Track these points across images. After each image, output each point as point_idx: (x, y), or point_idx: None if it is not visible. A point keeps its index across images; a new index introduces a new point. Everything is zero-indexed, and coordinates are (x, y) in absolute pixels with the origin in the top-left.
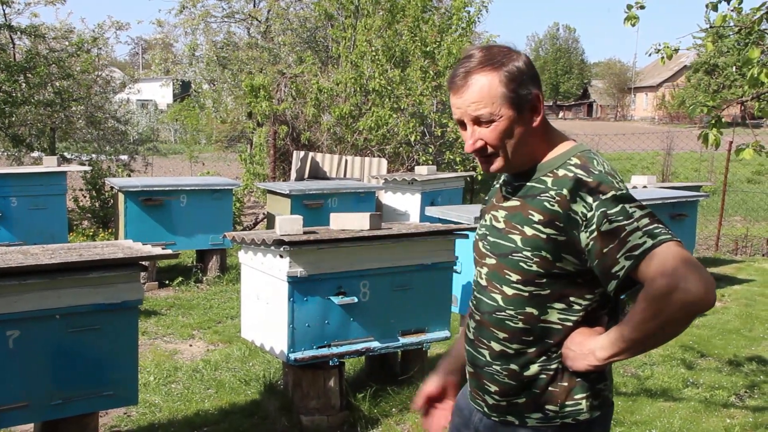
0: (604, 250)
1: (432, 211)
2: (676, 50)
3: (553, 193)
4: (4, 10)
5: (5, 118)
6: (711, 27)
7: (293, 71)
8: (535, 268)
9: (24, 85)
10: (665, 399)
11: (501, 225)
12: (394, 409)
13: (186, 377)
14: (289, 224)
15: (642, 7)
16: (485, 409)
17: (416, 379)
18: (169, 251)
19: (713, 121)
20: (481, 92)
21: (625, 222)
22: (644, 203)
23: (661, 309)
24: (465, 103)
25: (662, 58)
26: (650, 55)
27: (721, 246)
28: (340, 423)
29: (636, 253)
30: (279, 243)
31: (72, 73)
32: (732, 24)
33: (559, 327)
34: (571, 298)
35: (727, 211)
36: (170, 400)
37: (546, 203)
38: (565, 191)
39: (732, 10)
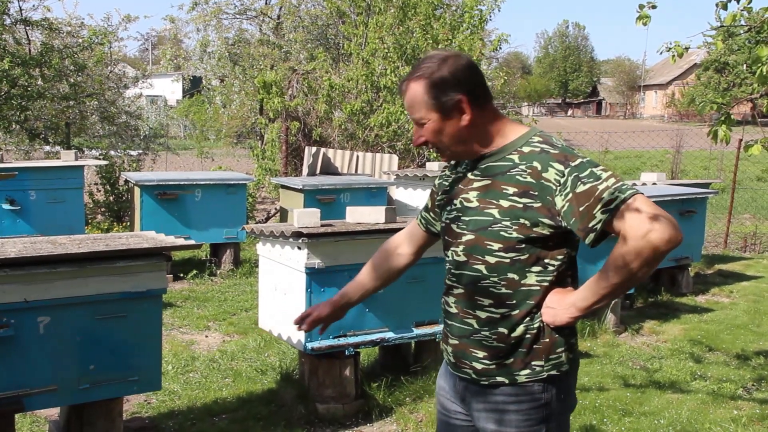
0: (581, 209)
1: None
2: (687, 49)
3: (523, 167)
4: (20, 6)
5: (22, 112)
6: (721, 26)
7: (305, 68)
8: (515, 234)
9: (40, 79)
10: (673, 391)
11: (475, 204)
12: (407, 399)
13: (203, 367)
14: (308, 217)
15: (654, 7)
16: (473, 376)
17: (429, 369)
18: (192, 242)
19: (723, 118)
20: (413, 99)
21: (597, 182)
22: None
23: (640, 251)
24: (406, 107)
25: (673, 56)
26: (661, 53)
27: (730, 243)
28: (355, 411)
29: (611, 207)
30: (298, 235)
31: (86, 64)
32: (743, 22)
33: (538, 288)
34: (546, 260)
35: (737, 208)
36: (189, 389)
37: (518, 176)
38: (535, 163)
39: (742, 9)
